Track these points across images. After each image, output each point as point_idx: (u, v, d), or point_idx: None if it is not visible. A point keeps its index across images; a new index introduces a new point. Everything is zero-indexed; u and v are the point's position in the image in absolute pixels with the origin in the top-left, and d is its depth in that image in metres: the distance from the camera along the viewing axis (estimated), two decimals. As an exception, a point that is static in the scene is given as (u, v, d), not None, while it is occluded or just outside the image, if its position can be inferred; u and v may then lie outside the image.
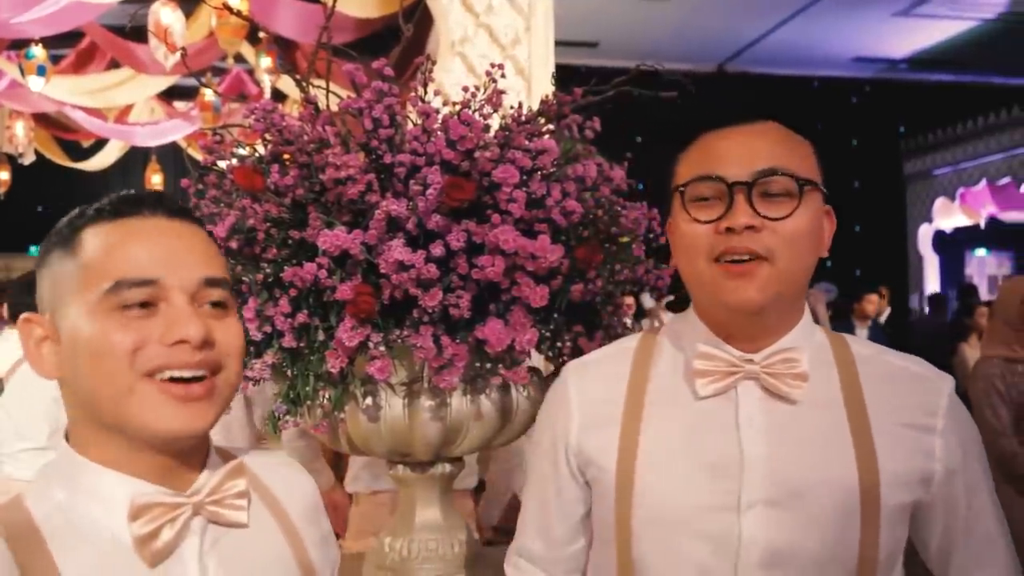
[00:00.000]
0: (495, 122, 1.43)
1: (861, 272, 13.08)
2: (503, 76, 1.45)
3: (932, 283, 13.20)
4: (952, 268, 13.07)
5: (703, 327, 1.02)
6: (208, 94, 5.76)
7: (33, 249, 10.55)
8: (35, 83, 5.23)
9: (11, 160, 7.50)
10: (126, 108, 6.82)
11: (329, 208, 1.30)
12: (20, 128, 6.66)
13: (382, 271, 1.20)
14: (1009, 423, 2.75)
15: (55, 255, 0.80)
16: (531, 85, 3.48)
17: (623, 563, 1.00)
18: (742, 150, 0.98)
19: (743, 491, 0.96)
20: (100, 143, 7.76)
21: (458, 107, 1.33)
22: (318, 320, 1.26)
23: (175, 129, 6.85)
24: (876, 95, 13.20)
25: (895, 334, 6.30)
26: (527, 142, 1.32)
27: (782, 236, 0.95)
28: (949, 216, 12.73)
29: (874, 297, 6.01)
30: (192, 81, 6.42)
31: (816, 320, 3.82)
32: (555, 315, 1.30)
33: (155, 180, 7.85)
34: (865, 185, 13.60)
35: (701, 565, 0.96)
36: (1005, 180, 11.76)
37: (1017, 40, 11.04)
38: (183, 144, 7.37)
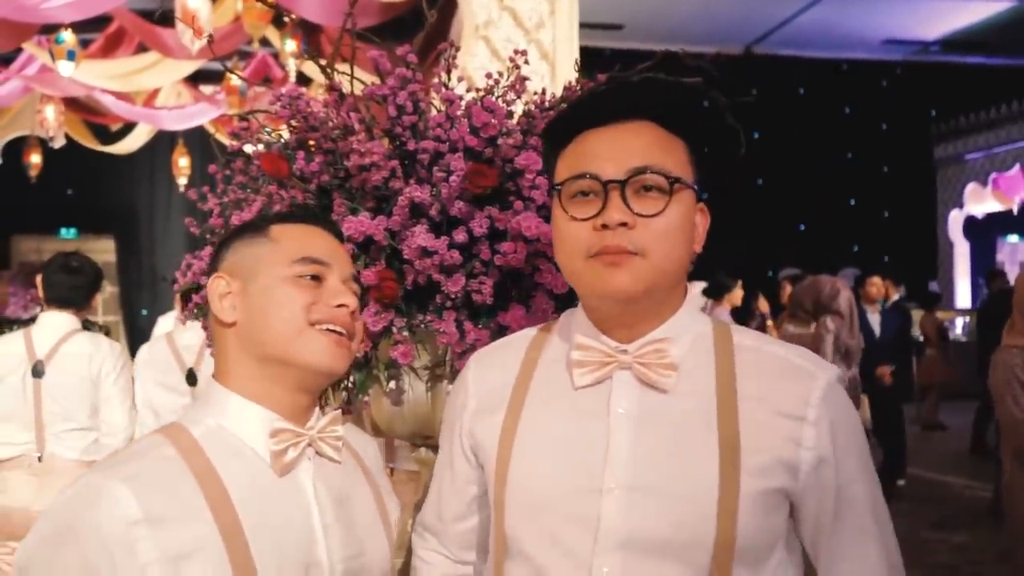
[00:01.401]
0: (518, 108, 1.43)
1: (889, 258, 12.94)
2: (527, 63, 1.45)
3: (962, 269, 13.01)
4: (983, 254, 12.86)
5: (585, 319, 1.06)
6: (234, 78, 5.80)
7: (63, 231, 10.74)
8: (65, 68, 5.29)
9: (42, 143, 7.61)
10: (153, 92, 6.89)
11: (353, 194, 1.32)
12: (51, 112, 6.75)
13: (405, 256, 1.22)
14: None
15: (247, 236, 1.07)
16: (555, 69, 3.46)
17: (498, 540, 1.06)
18: (616, 148, 1.00)
19: (605, 475, 0.99)
20: (128, 127, 7.84)
21: (482, 93, 1.33)
22: (342, 305, 1.28)
23: (201, 113, 6.91)
24: (907, 78, 12.98)
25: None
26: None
27: (654, 232, 0.98)
28: (980, 201, 12.52)
29: (876, 280, 5.97)
30: (218, 65, 6.47)
31: (838, 307, 3.78)
32: (573, 301, 1.30)
33: (182, 163, 7.93)
34: (894, 170, 13.40)
35: (563, 545, 1.00)
36: (1039, 165, 11.54)
37: (1053, 21, 10.80)
38: (210, 128, 7.43)
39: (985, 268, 10.92)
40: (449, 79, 1.37)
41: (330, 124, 1.34)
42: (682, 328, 1.04)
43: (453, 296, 1.24)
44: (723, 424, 0.99)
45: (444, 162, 1.28)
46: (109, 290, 10.85)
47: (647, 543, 0.97)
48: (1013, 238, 13.01)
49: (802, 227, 12.90)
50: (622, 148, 1.00)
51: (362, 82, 1.47)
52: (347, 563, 1.03)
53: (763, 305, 6.31)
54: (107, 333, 4.92)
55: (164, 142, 8.48)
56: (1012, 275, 12.87)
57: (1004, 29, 11.23)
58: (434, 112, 1.35)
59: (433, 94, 1.41)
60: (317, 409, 1.07)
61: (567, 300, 1.30)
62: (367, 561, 1.06)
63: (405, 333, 1.24)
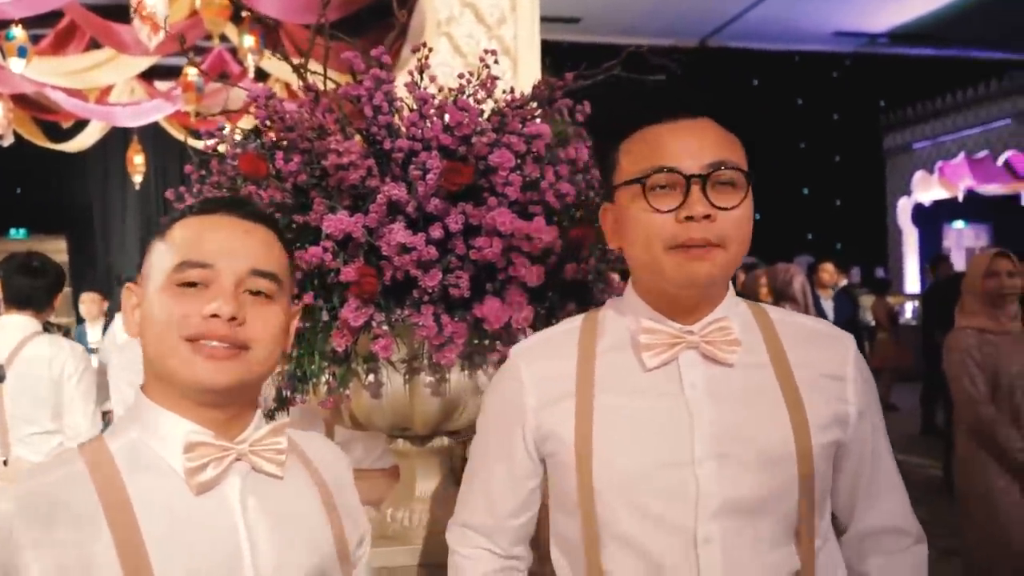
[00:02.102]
0: (488, 106, 1.47)
1: (841, 245, 13.24)
2: (496, 62, 1.49)
3: (911, 255, 13.37)
4: (930, 241, 13.24)
5: (644, 305, 1.12)
6: (191, 74, 5.73)
7: (13, 231, 10.46)
8: (16, 65, 5.18)
9: (-11, 142, 7.41)
10: (106, 88, 6.75)
11: (331, 193, 1.34)
12: (-1, 110, 6.59)
13: (384, 253, 1.25)
14: (986, 392, 2.84)
15: (156, 240, 0.98)
16: (517, 65, 3.51)
17: (588, 527, 1.07)
18: (692, 143, 1.06)
19: (695, 447, 1.05)
20: (80, 124, 7.68)
21: (454, 93, 1.37)
22: (322, 301, 1.31)
23: (156, 109, 6.79)
24: (857, 69, 13.27)
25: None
26: (520, 126, 1.37)
27: (733, 223, 1.05)
28: (928, 189, 12.87)
29: (829, 266, 6.18)
30: (173, 61, 6.37)
31: (792, 293, 3.87)
32: (549, 293, 1.35)
33: (137, 161, 7.79)
34: (845, 159, 13.71)
35: (663, 520, 1.05)
36: (983, 153, 11.90)
37: (996, 14, 11.13)
38: (165, 124, 7.31)
39: (933, 254, 11.26)
40: (421, 79, 1.40)
41: (305, 124, 1.37)
42: (732, 308, 1.13)
43: (430, 291, 1.27)
44: (786, 389, 1.09)
45: (419, 160, 1.31)
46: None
47: (742, 505, 1.05)
48: (959, 224, 13.41)
49: (757, 216, 13.14)
50: (698, 144, 1.06)
51: (335, 82, 1.50)
52: None
53: None
54: (66, 334, 4.84)
55: (118, 139, 8.32)
56: (958, 260, 13.29)
57: (950, 21, 11.55)
58: (406, 111, 1.38)
59: (405, 93, 1.44)
60: (258, 417, 0.99)
61: (540, 292, 1.34)
62: None
63: (385, 327, 1.28)
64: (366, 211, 1.30)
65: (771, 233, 12.36)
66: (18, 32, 5.08)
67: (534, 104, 1.48)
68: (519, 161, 1.34)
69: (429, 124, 1.35)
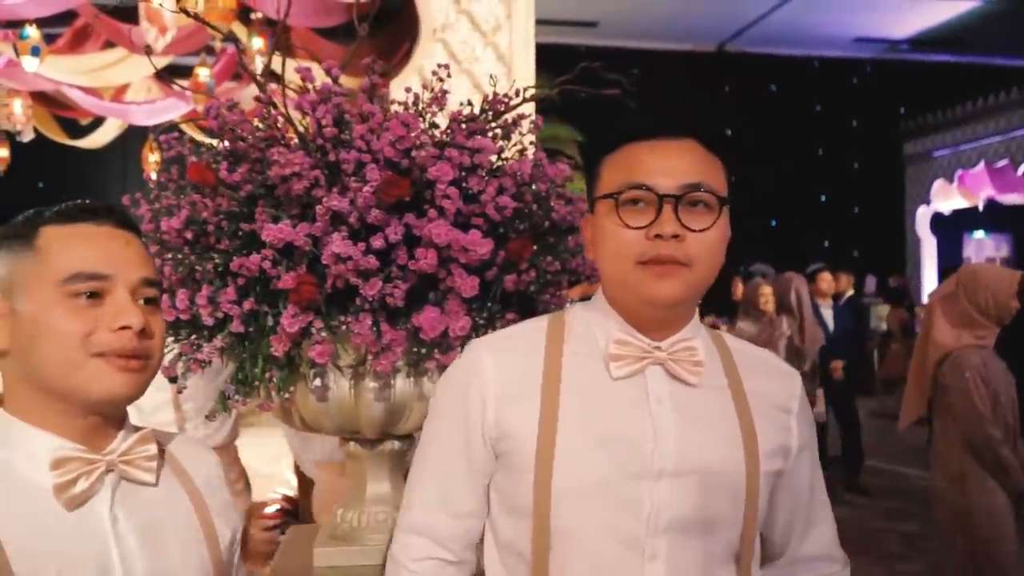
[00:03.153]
0: (442, 120, 1.50)
1: (859, 253, 13.13)
2: (449, 76, 1.52)
3: (929, 265, 13.23)
4: (949, 250, 13.10)
5: (616, 316, 1.14)
6: (202, 74, 5.82)
7: (35, 225, 10.65)
8: (30, 63, 5.29)
9: (10, 138, 7.57)
10: (122, 87, 6.88)
11: (280, 202, 1.38)
12: (18, 106, 6.72)
13: (324, 262, 1.29)
14: (991, 411, 2.82)
15: (14, 246, 0.94)
16: (511, 71, 3.54)
17: (540, 531, 1.07)
18: (671, 164, 1.08)
19: (655, 461, 1.07)
20: (98, 121, 7.82)
21: (399, 108, 1.41)
22: (266, 307, 1.35)
23: (171, 108, 6.90)
24: (877, 76, 13.17)
25: None
26: (467, 141, 1.40)
27: (702, 245, 1.07)
28: (947, 198, 12.74)
29: (826, 275, 6.11)
30: (188, 60, 6.47)
31: (788, 304, 3.87)
32: (489, 304, 1.38)
33: (152, 159, 7.92)
34: (864, 166, 13.61)
35: (616, 530, 1.06)
36: (1003, 162, 11.75)
37: (1019, 21, 10.98)
38: (179, 123, 7.42)
39: (952, 264, 11.12)
40: (373, 96, 1.43)
41: (258, 134, 1.41)
42: (697, 330, 1.16)
43: (370, 299, 1.31)
44: (741, 415, 1.12)
45: (364, 172, 1.35)
46: (81, 284, 10.80)
47: (691, 523, 1.08)
48: (979, 234, 13.24)
49: (773, 223, 13.08)
50: (677, 164, 1.08)
51: (294, 90, 1.54)
52: None
53: None
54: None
55: (135, 137, 8.46)
56: (978, 270, 13.05)
57: (972, 27, 11.42)
58: (364, 121, 1.42)
59: (391, 103, 1.48)
60: (126, 427, 0.99)
61: (478, 302, 1.37)
62: None
63: (324, 334, 1.31)
64: (312, 219, 1.34)
65: (787, 240, 12.37)
66: (32, 32, 5.19)
67: (489, 116, 1.52)
68: (464, 174, 1.37)
69: (377, 137, 1.39)
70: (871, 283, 12.36)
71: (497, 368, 1.13)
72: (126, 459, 0.94)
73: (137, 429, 1.00)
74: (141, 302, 0.95)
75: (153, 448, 0.97)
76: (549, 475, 1.07)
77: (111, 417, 0.97)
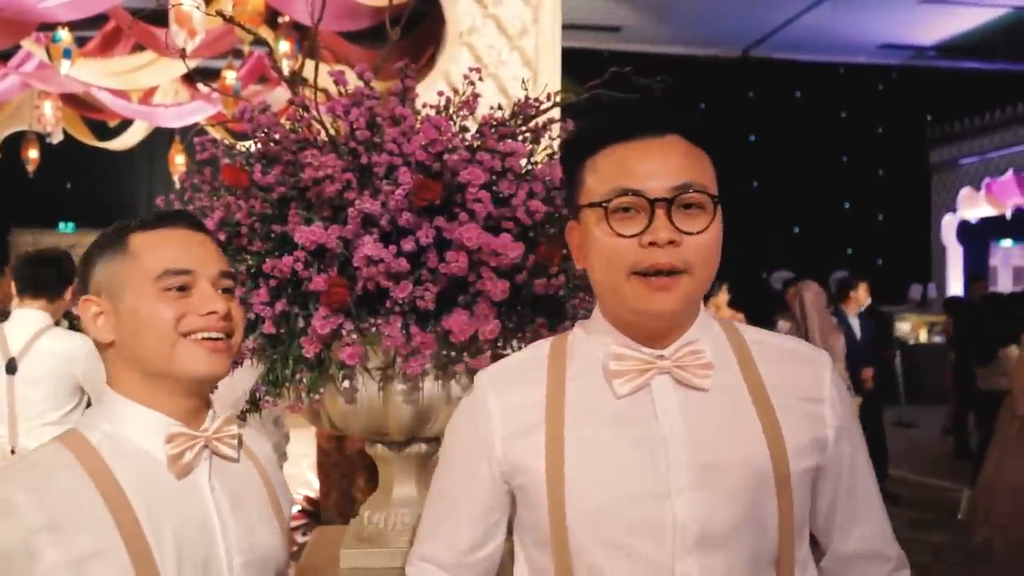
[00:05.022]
0: (472, 125, 1.51)
1: (883, 261, 13.00)
2: (481, 79, 1.53)
3: (955, 274, 13.08)
4: (976, 259, 12.93)
5: (613, 330, 1.09)
6: (229, 77, 5.88)
7: (62, 225, 10.81)
8: (62, 66, 5.37)
9: (40, 139, 7.69)
10: (150, 89, 6.97)
11: (312, 204, 1.39)
12: (48, 108, 6.83)
13: (354, 264, 1.30)
14: None
15: (107, 253, 1.10)
16: (537, 76, 3.54)
17: (561, 561, 1.04)
18: (658, 165, 1.02)
19: (671, 477, 1.02)
20: (126, 123, 7.93)
21: (432, 111, 1.41)
22: (297, 308, 1.36)
23: (198, 111, 6.98)
24: (903, 83, 13.04)
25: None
26: (498, 144, 1.40)
27: (699, 249, 1.02)
28: (974, 206, 12.58)
29: (866, 285, 6.01)
30: (215, 64, 6.54)
31: (794, 311, 3.82)
32: (518, 307, 1.38)
33: (178, 160, 8.02)
34: (889, 173, 13.47)
35: (638, 553, 1.02)
36: (1032, 171, 11.60)
37: (1048, 28, 10.84)
38: (205, 125, 7.50)
39: (979, 272, 10.98)
40: (405, 99, 1.44)
41: (292, 136, 1.42)
42: (704, 329, 1.10)
43: (400, 301, 1.31)
44: (762, 413, 1.06)
45: (396, 175, 1.36)
46: (106, 284, 10.94)
47: (720, 536, 1.02)
48: (1006, 243, 13.07)
49: (796, 229, 12.98)
50: (663, 165, 1.02)
51: (324, 93, 1.55)
52: (244, 555, 1.09)
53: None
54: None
55: (162, 139, 8.56)
56: (1004, 279, 12.92)
57: (999, 35, 11.29)
58: (405, 124, 1.42)
59: (422, 106, 1.48)
60: (212, 410, 1.13)
61: (508, 306, 1.38)
62: (262, 553, 1.12)
63: (354, 336, 1.32)
64: (344, 222, 1.35)
65: (810, 247, 12.28)
66: (64, 35, 5.28)
67: (519, 121, 1.52)
68: (495, 178, 1.38)
69: (409, 140, 1.39)
70: (916, 291, 12.20)
71: (500, 407, 1.10)
72: (217, 437, 1.09)
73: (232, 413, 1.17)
74: (221, 292, 1.09)
75: (235, 429, 1.13)
76: (562, 505, 1.03)
77: (203, 399, 1.12)
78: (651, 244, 1.00)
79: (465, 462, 1.13)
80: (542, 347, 1.15)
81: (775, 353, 1.12)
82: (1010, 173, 11.75)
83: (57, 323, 3.10)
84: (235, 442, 1.12)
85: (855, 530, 1.14)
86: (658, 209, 1.01)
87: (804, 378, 1.11)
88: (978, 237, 12.96)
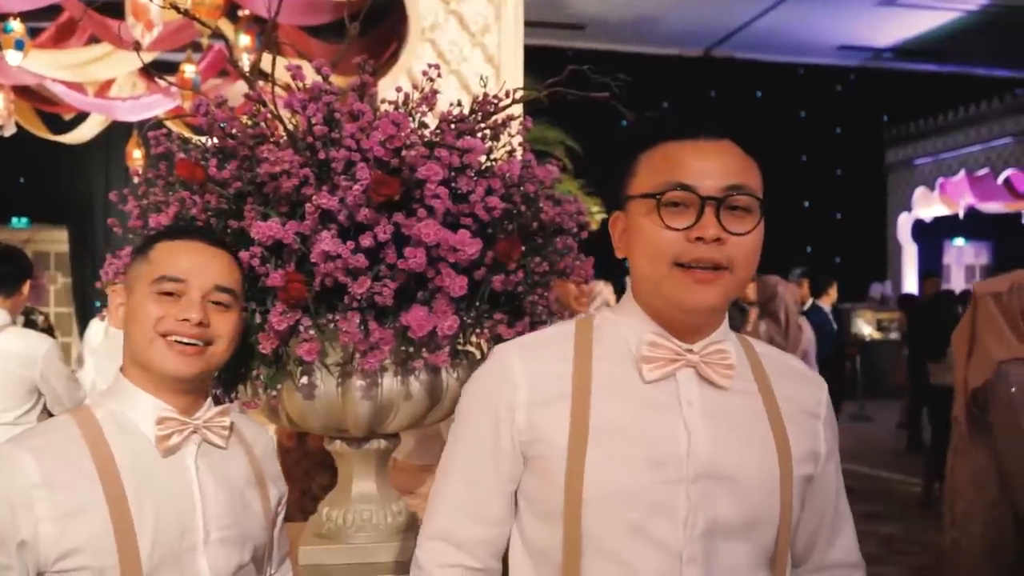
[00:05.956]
0: (432, 121, 1.51)
1: (841, 259, 13.24)
2: (440, 76, 1.53)
3: (910, 272, 13.37)
4: (930, 257, 13.24)
5: (647, 319, 1.12)
6: (188, 70, 5.78)
7: (15, 220, 10.55)
8: (13, 57, 5.24)
9: (-9, 132, 7.48)
10: (107, 82, 6.82)
11: (269, 199, 1.38)
12: (0, 100, 6.65)
13: (312, 260, 1.29)
14: None
15: (139, 253, 1.26)
16: (499, 72, 3.55)
17: (571, 537, 1.06)
18: (712, 165, 1.06)
19: (689, 465, 1.06)
20: (82, 116, 7.74)
21: (391, 107, 1.41)
22: (255, 304, 1.35)
23: (156, 104, 6.85)
24: (861, 84, 13.29)
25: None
26: (457, 141, 1.40)
27: (742, 249, 1.06)
28: (928, 205, 12.88)
29: (804, 281, 6.13)
30: (174, 57, 6.43)
31: (774, 309, 3.84)
32: (477, 303, 1.39)
33: (136, 155, 7.85)
34: (847, 173, 13.72)
35: (649, 536, 1.05)
36: (983, 171, 11.90)
37: (1000, 31, 11.13)
38: (163, 119, 7.36)
39: (933, 270, 11.24)
40: (363, 95, 1.44)
41: (248, 131, 1.41)
42: (727, 333, 1.15)
43: (359, 297, 1.31)
44: (772, 419, 1.12)
45: (354, 171, 1.35)
46: (61, 281, 10.69)
47: (728, 526, 1.07)
48: (959, 241, 13.40)
49: (756, 228, 13.15)
50: (717, 166, 1.06)
51: (283, 88, 1.54)
52: (222, 532, 1.22)
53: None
54: (48, 326, 4.88)
55: (120, 132, 8.38)
56: (957, 277, 13.25)
57: (956, 38, 11.56)
58: (355, 120, 1.42)
59: (381, 102, 1.48)
60: (209, 401, 1.27)
61: (466, 302, 1.38)
62: (242, 531, 1.25)
63: (312, 332, 1.31)
64: (302, 217, 1.34)
65: (770, 245, 12.39)
66: (16, 25, 5.14)
67: (479, 117, 1.52)
68: (453, 174, 1.38)
69: (367, 136, 1.39)
70: (876, 290, 12.44)
71: (527, 372, 1.11)
72: (207, 425, 1.23)
73: (218, 404, 1.30)
74: (210, 304, 1.21)
75: (227, 420, 1.27)
76: (580, 480, 1.05)
77: (199, 392, 1.26)
78: (698, 239, 1.04)
79: (487, 429, 1.12)
80: (567, 325, 1.19)
81: (782, 367, 1.20)
82: (963, 173, 12.05)
83: (14, 321, 3.03)
84: (225, 432, 1.25)
85: (837, 542, 1.22)
86: (708, 207, 1.04)
87: (805, 395, 1.18)
88: (932, 236, 13.27)
